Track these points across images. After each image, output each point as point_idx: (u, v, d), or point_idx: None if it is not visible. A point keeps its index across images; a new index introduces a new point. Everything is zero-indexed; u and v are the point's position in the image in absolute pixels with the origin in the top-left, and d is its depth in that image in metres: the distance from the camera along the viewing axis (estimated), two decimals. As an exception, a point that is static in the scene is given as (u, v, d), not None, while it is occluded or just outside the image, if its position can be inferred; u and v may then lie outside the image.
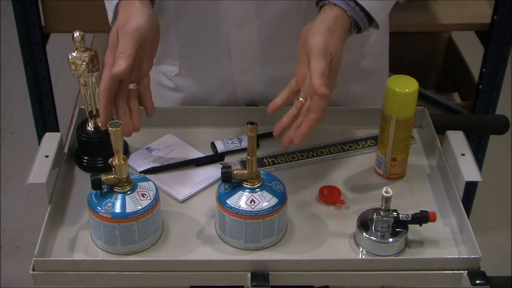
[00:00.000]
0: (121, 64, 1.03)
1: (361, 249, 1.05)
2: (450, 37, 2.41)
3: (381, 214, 1.03)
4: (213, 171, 1.18)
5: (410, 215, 1.04)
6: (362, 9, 1.08)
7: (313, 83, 0.99)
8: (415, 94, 1.12)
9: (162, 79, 1.34)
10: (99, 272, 1.00)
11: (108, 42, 1.07)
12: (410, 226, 1.05)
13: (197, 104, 1.31)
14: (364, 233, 1.04)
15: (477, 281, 0.99)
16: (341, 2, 1.06)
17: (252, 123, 0.99)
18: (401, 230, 1.04)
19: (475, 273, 1.00)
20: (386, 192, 1.02)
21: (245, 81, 1.27)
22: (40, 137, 1.57)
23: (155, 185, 1.05)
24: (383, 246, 1.03)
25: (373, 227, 1.03)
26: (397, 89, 1.10)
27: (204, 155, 1.21)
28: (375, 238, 1.03)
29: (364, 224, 1.05)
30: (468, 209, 2.15)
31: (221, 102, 1.30)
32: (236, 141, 1.23)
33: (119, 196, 1.01)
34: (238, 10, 1.18)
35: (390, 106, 1.12)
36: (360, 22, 1.08)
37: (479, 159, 2.08)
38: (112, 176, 1.01)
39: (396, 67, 1.53)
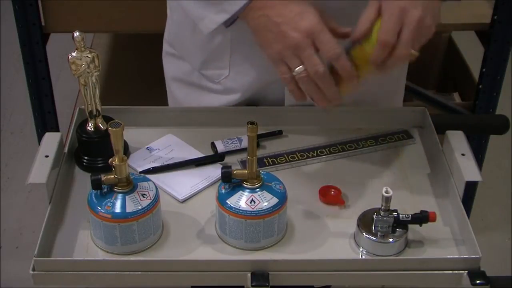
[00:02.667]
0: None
1: (361, 249, 1.05)
2: (450, 37, 2.41)
3: (381, 214, 1.03)
4: (213, 171, 1.18)
5: (410, 215, 1.04)
6: None
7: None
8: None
9: (205, 83, 1.30)
10: (99, 272, 1.00)
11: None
12: (410, 226, 1.05)
13: (251, 102, 1.29)
14: (364, 233, 1.04)
15: (477, 281, 0.99)
16: None
17: (252, 123, 0.99)
18: (401, 230, 1.04)
19: (475, 273, 1.00)
20: (386, 192, 1.02)
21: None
22: (40, 137, 1.57)
23: (155, 185, 1.05)
24: (383, 246, 1.03)
25: (373, 227, 1.04)
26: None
27: (204, 155, 1.21)
28: (375, 238, 1.03)
29: (364, 224, 1.05)
30: (468, 209, 2.15)
31: (269, 103, 1.29)
32: (236, 141, 1.23)
33: (119, 196, 1.01)
34: None
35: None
36: None
37: (479, 159, 2.08)
38: (112, 176, 1.01)
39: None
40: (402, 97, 1.42)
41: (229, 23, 1.14)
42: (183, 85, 1.36)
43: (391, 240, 1.03)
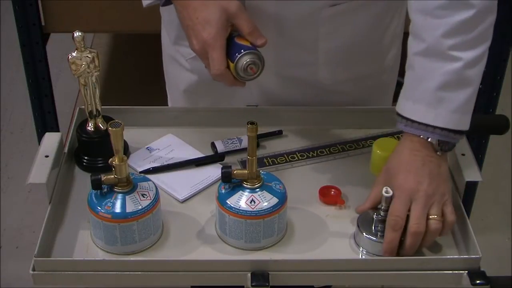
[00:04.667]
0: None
1: (361, 249, 1.05)
2: (450, 37, 2.41)
3: (381, 214, 1.03)
4: (213, 171, 1.18)
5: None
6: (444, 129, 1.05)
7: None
8: None
9: (179, 58, 1.34)
10: (99, 272, 1.00)
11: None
12: (410, 226, 1.05)
13: (210, 89, 1.30)
14: (364, 233, 1.04)
15: (477, 281, 0.99)
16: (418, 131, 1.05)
17: (252, 123, 0.99)
18: (401, 230, 1.04)
19: (475, 273, 1.00)
20: (386, 192, 1.02)
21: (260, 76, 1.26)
22: (40, 137, 1.57)
23: (155, 185, 1.05)
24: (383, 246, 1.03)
25: (373, 227, 1.04)
26: (382, 153, 1.14)
27: (204, 155, 1.21)
28: (375, 238, 1.03)
29: (364, 224, 1.05)
30: (468, 209, 2.15)
31: (233, 92, 1.30)
32: (236, 141, 1.23)
33: (119, 196, 1.01)
34: (257, 13, 1.17)
35: (376, 168, 1.15)
36: (451, 139, 1.06)
37: (479, 159, 2.08)
38: (112, 176, 1.01)
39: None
40: (391, 96, 1.42)
41: (163, 3, 1.16)
42: (167, 56, 1.39)
43: (391, 240, 1.03)
